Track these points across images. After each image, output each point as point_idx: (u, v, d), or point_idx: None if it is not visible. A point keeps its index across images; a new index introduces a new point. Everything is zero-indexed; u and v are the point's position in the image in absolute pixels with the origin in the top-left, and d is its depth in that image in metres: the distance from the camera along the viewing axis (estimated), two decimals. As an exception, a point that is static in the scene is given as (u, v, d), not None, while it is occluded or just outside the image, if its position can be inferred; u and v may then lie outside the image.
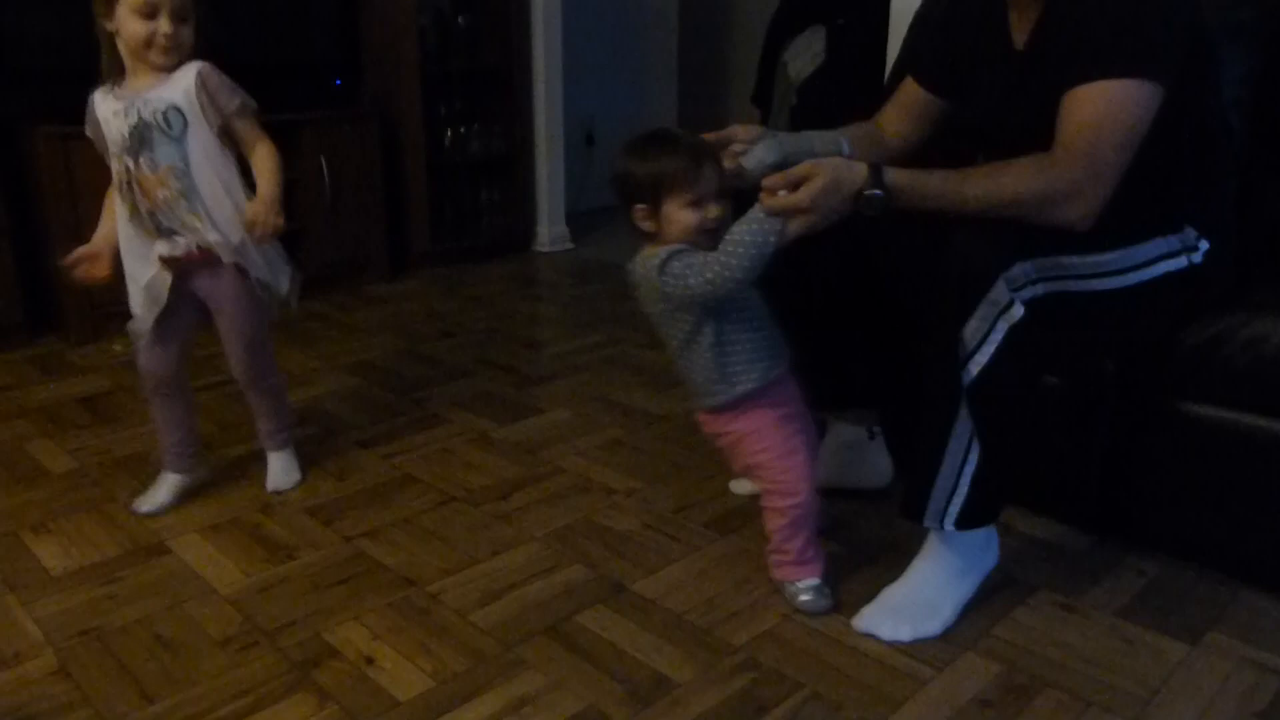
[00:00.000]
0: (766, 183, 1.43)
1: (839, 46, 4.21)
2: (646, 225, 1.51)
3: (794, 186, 1.41)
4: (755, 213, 1.43)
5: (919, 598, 1.55)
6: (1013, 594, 1.63)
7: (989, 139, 1.68)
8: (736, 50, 5.84)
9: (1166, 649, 1.49)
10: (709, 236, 1.50)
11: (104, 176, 2.96)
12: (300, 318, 3.20)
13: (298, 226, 3.34)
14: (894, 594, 1.56)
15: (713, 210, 1.49)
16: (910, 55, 1.95)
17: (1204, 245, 1.56)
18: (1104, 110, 1.40)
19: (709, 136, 1.61)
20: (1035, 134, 1.45)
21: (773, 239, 1.42)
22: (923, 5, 1.94)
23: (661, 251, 1.48)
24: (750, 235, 1.42)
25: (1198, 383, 1.60)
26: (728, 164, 1.59)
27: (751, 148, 1.61)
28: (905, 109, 1.84)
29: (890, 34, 2.74)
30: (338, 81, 3.42)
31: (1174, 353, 1.61)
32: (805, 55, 4.56)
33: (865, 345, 1.84)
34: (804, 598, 1.59)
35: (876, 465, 1.94)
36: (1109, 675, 1.43)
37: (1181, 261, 1.54)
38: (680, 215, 1.48)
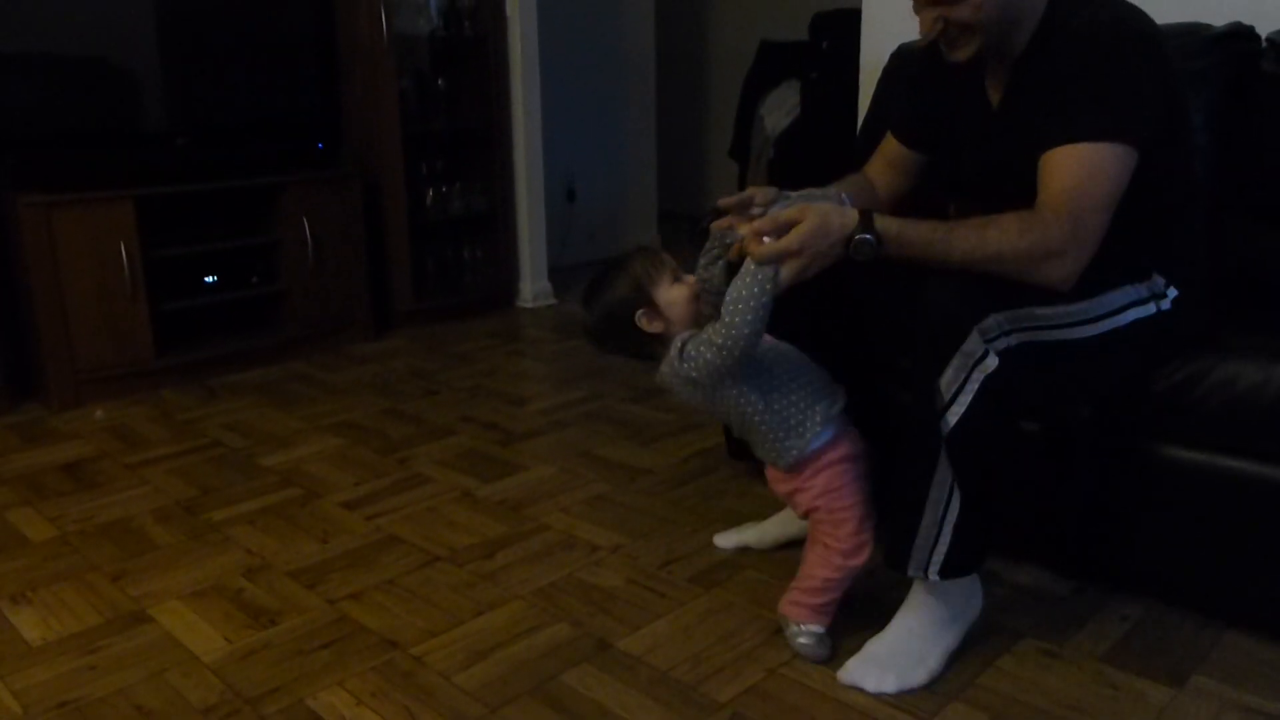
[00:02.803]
0: (751, 229, 1.45)
1: (813, 100, 4.28)
2: (655, 326, 1.57)
3: (783, 231, 1.43)
4: (747, 266, 1.44)
5: (904, 649, 1.55)
6: (997, 642, 1.63)
7: (966, 191, 1.72)
8: (713, 105, 5.94)
9: (1151, 694, 1.49)
10: (710, 302, 1.55)
11: (86, 244, 2.98)
12: (283, 378, 3.20)
13: (281, 288, 3.36)
14: (879, 645, 1.56)
15: (689, 277, 1.57)
16: (885, 112, 2.00)
17: (1172, 293, 1.59)
18: (1084, 173, 1.43)
19: (727, 201, 1.64)
20: (1009, 187, 1.49)
21: (768, 287, 1.43)
22: (890, 63, 1.99)
23: (675, 343, 1.54)
24: (745, 290, 1.44)
25: (1172, 426, 1.62)
26: (744, 228, 1.58)
27: (769, 209, 1.60)
28: (889, 161, 1.89)
29: (861, 88, 2.79)
30: (319, 145, 3.45)
31: (1147, 396, 1.63)
32: (781, 109, 4.64)
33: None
34: (803, 640, 1.60)
35: None
36: (1095, 722, 1.43)
37: (1150, 309, 1.57)
38: (674, 292, 1.56)
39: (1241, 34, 1.97)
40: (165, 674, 1.60)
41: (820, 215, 1.43)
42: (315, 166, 3.42)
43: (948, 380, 1.42)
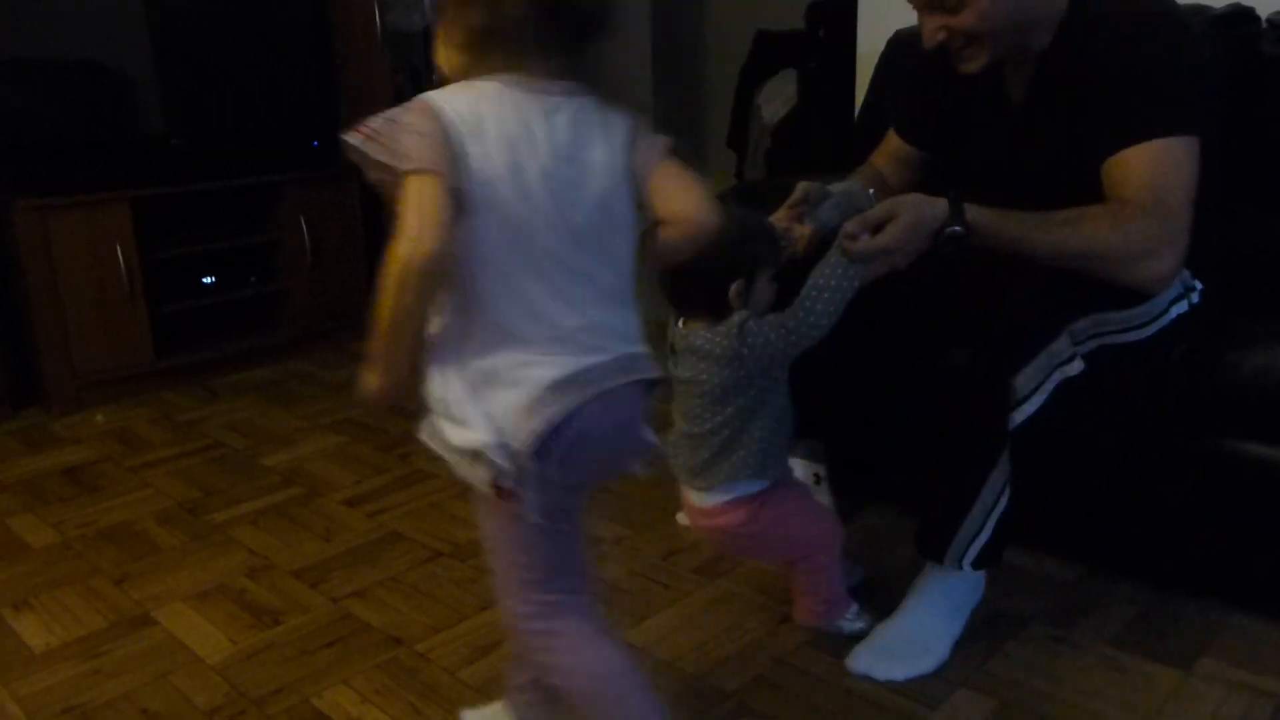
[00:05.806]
0: (849, 228, 1.39)
1: (810, 89, 4.27)
2: (736, 303, 1.44)
3: (875, 228, 1.38)
4: (833, 256, 1.40)
5: (913, 636, 1.55)
6: (1004, 627, 1.63)
7: (989, 191, 1.68)
8: (710, 95, 5.92)
9: (1159, 677, 1.49)
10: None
11: (83, 247, 2.94)
12: (284, 377, 3.20)
13: (279, 287, 3.35)
14: (887, 633, 1.56)
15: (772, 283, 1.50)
16: (885, 105, 1.96)
17: (1199, 285, 1.56)
18: (1163, 170, 1.39)
19: (794, 199, 1.58)
20: (1036, 186, 1.44)
21: (856, 284, 1.39)
22: (887, 49, 1.96)
23: (736, 317, 1.43)
24: (835, 280, 1.38)
25: (1178, 411, 1.61)
26: (796, 225, 1.56)
27: (816, 209, 1.58)
28: (894, 158, 1.86)
29: (858, 77, 2.78)
30: (315, 143, 3.44)
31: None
32: (778, 98, 4.63)
33: (827, 381, 1.85)
34: (857, 625, 1.61)
35: None
36: (1103, 706, 1.43)
37: (1184, 305, 1.54)
38: (767, 289, 1.47)
39: (1241, 15, 1.95)
40: (170, 676, 1.60)
41: (915, 210, 1.38)
42: (312, 165, 3.41)
43: (1025, 378, 1.40)
